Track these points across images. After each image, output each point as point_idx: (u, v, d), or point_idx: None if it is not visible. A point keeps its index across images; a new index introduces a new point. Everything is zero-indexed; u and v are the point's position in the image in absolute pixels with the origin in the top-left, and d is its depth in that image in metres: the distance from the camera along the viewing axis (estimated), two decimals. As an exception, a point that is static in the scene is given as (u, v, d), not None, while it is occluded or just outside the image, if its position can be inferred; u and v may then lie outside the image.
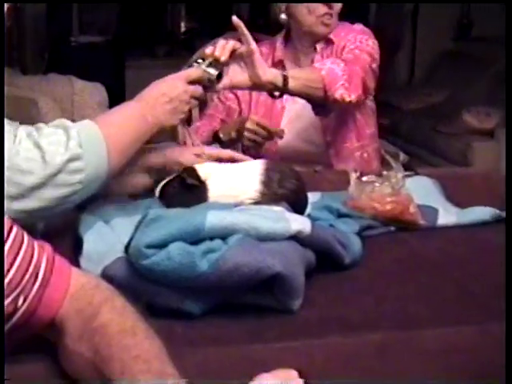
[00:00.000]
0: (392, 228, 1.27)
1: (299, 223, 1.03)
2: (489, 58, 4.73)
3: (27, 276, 0.77)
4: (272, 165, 1.21)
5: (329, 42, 1.88)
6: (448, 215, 1.31)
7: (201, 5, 5.84)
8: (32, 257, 0.79)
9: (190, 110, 1.26)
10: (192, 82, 1.21)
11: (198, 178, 1.16)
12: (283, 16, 1.89)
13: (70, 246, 1.10)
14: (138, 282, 0.94)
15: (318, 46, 1.89)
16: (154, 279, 0.93)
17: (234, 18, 1.35)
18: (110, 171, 1.07)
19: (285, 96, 1.60)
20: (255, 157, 1.64)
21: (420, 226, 1.27)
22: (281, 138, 1.80)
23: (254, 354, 0.87)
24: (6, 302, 0.76)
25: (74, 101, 3.27)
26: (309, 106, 1.71)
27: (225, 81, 1.33)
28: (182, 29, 5.97)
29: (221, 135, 1.81)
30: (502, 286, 0.96)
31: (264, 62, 1.46)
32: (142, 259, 0.93)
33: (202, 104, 1.86)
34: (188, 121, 1.77)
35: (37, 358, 0.83)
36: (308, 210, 1.21)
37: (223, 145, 1.80)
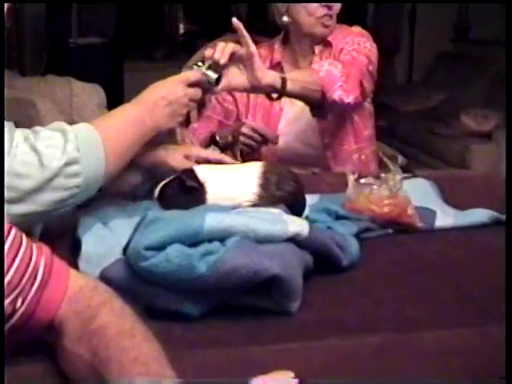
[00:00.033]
0: (390, 230, 1.27)
1: (297, 225, 1.03)
2: (487, 60, 4.75)
3: (26, 278, 0.77)
4: (270, 167, 1.21)
5: (327, 44, 1.89)
6: (446, 217, 1.31)
7: (199, 7, 5.85)
8: (30, 259, 0.79)
9: (188, 112, 1.26)
10: (191, 85, 1.21)
11: (197, 180, 1.17)
12: (285, 18, 1.89)
13: (68, 247, 1.10)
14: (136, 284, 0.94)
15: (316, 49, 1.89)
16: (152, 281, 0.93)
17: (234, 20, 1.35)
18: (108, 174, 1.07)
19: (283, 98, 1.60)
20: (253, 159, 1.65)
21: (418, 228, 1.27)
22: (275, 144, 1.81)
23: (252, 356, 0.87)
24: (5, 303, 0.76)
25: (72, 102, 3.28)
26: (307, 109, 1.71)
27: (224, 83, 1.33)
28: (181, 31, 5.98)
29: (217, 138, 1.82)
30: (501, 288, 0.96)
31: (263, 64, 1.46)
32: (140, 261, 0.93)
33: (201, 105, 1.87)
34: (186, 121, 1.77)
35: (35, 359, 0.83)
36: (306, 212, 1.21)
37: (220, 147, 1.81)
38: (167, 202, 1.17)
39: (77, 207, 1.09)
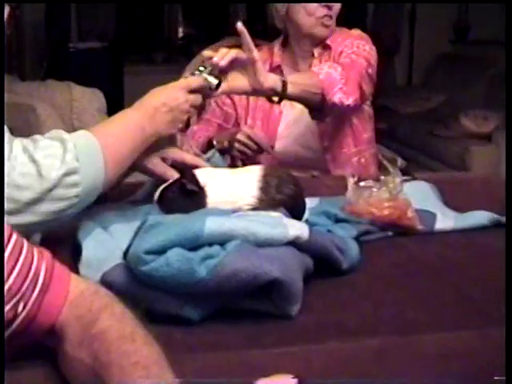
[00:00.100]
0: (390, 233, 1.27)
1: (297, 229, 1.03)
2: (487, 61, 4.75)
3: (27, 282, 0.78)
4: (270, 170, 1.21)
5: (326, 47, 1.89)
6: (446, 220, 1.32)
7: (198, 10, 5.86)
8: (31, 263, 0.79)
9: (188, 117, 1.26)
10: (192, 91, 1.21)
11: (197, 183, 1.17)
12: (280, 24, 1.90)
13: (69, 252, 1.10)
14: (136, 288, 0.95)
15: (316, 51, 1.90)
16: (152, 285, 0.93)
17: (239, 25, 1.35)
18: (108, 182, 1.07)
19: (283, 101, 1.61)
20: (253, 162, 1.65)
21: (418, 230, 1.28)
22: (269, 153, 1.82)
23: (252, 360, 0.87)
24: (6, 308, 0.76)
25: (72, 107, 3.28)
26: (306, 111, 1.72)
27: (224, 87, 1.34)
28: (180, 34, 5.99)
29: (214, 142, 1.82)
30: (501, 290, 0.96)
31: (264, 68, 1.46)
32: (140, 265, 0.93)
33: (201, 108, 1.87)
34: (186, 124, 1.77)
35: (36, 364, 0.83)
36: (306, 215, 1.21)
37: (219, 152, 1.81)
38: (167, 205, 1.17)
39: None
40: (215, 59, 1.31)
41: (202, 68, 1.27)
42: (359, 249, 1.13)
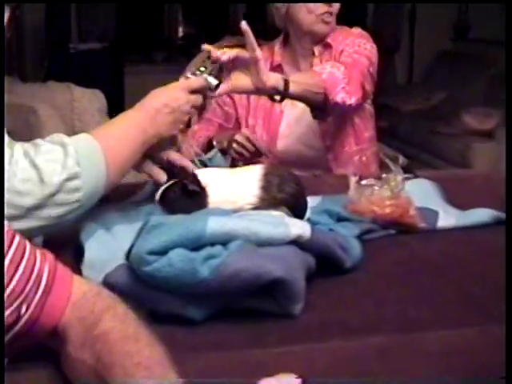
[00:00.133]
0: (392, 231, 1.27)
1: (299, 228, 1.03)
2: (487, 59, 4.74)
3: (30, 284, 0.78)
4: (271, 169, 1.21)
5: (327, 45, 1.89)
6: (448, 217, 1.31)
7: (198, 10, 5.86)
8: (34, 265, 0.79)
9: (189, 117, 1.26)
10: (193, 92, 1.21)
11: (199, 184, 1.17)
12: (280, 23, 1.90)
13: (71, 253, 1.10)
14: (139, 288, 0.95)
15: (316, 50, 1.90)
16: (155, 286, 0.93)
17: (243, 24, 1.35)
18: (109, 185, 1.07)
19: (284, 100, 1.60)
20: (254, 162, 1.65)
21: (420, 228, 1.28)
22: (267, 157, 1.82)
23: (255, 359, 0.87)
24: (10, 310, 0.76)
25: (73, 107, 3.28)
26: (308, 111, 1.72)
27: (228, 85, 1.34)
28: (180, 34, 5.99)
29: (214, 143, 1.82)
30: (504, 287, 0.96)
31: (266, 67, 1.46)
32: (143, 266, 0.93)
33: (201, 108, 1.87)
34: (187, 125, 1.78)
35: (39, 365, 0.83)
36: (308, 214, 1.21)
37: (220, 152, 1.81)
38: (169, 205, 1.17)
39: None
40: (217, 53, 1.31)
41: (202, 68, 1.27)
42: (361, 247, 1.13)
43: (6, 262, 0.76)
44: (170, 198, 1.18)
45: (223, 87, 1.32)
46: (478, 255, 1.18)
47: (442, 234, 1.28)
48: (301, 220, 1.12)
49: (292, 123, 1.92)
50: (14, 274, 0.76)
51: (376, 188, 1.31)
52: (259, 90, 1.43)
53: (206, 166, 1.37)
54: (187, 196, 1.17)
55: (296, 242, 1.02)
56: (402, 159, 1.41)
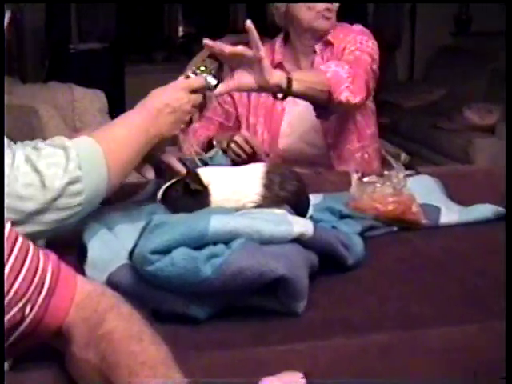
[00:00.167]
0: (394, 228, 1.27)
1: (301, 225, 1.03)
2: (489, 53, 4.73)
3: (33, 285, 0.78)
4: (273, 167, 1.21)
5: (327, 43, 1.89)
6: (450, 213, 1.31)
7: (198, 9, 5.85)
8: (38, 266, 0.79)
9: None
10: (193, 91, 1.21)
11: (201, 182, 1.17)
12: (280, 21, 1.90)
13: (74, 253, 1.10)
14: (143, 288, 0.95)
15: (317, 48, 1.89)
16: (158, 285, 0.94)
17: (248, 22, 1.35)
18: (111, 188, 1.07)
19: (287, 98, 1.61)
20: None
21: (422, 225, 1.28)
22: (263, 160, 1.83)
23: (259, 357, 0.87)
24: (14, 310, 0.76)
25: (74, 108, 3.28)
26: (310, 108, 1.72)
27: (229, 84, 1.34)
28: (180, 33, 5.98)
29: (214, 142, 1.83)
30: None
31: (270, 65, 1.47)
32: (146, 265, 0.93)
33: (202, 107, 1.87)
34: (188, 122, 1.78)
35: (44, 365, 0.83)
36: (310, 211, 1.21)
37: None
38: (171, 203, 1.17)
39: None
40: (218, 43, 1.31)
41: (202, 68, 1.27)
42: (364, 244, 1.13)
43: (10, 262, 0.76)
44: (172, 196, 1.18)
45: (225, 85, 1.32)
46: (480, 251, 1.18)
47: (444, 231, 1.28)
48: (303, 218, 1.13)
49: (294, 121, 1.92)
50: (17, 275, 0.76)
51: (378, 185, 1.31)
52: (262, 88, 1.43)
53: (206, 164, 1.37)
54: (189, 195, 1.17)
55: (299, 240, 1.02)
56: (403, 156, 1.41)
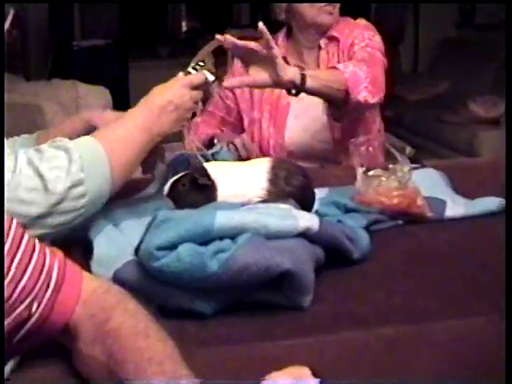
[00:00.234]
0: (400, 221, 1.27)
1: (307, 220, 1.03)
2: (493, 45, 4.70)
3: (40, 282, 0.78)
4: (278, 162, 1.21)
5: (332, 38, 1.88)
6: (456, 207, 1.31)
7: (201, 4, 5.84)
8: (44, 263, 0.79)
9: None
10: (195, 87, 1.21)
11: (208, 177, 1.17)
12: (283, 16, 1.90)
13: (80, 250, 1.10)
14: (149, 284, 0.95)
15: (322, 42, 1.89)
16: (165, 281, 0.94)
17: (260, 24, 1.36)
18: (114, 188, 1.07)
19: (300, 94, 1.61)
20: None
21: (428, 218, 1.27)
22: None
23: (265, 352, 0.87)
24: (21, 307, 0.77)
25: (78, 105, 3.28)
26: (315, 103, 1.72)
27: (246, 79, 1.34)
28: (184, 29, 5.97)
29: (215, 141, 1.83)
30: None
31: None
32: (152, 261, 0.93)
33: (205, 100, 1.88)
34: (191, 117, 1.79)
35: (50, 362, 0.83)
36: (315, 206, 1.21)
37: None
38: (177, 198, 1.17)
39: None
40: (229, 37, 1.32)
41: (201, 63, 1.27)
42: (369, 238, 1.13)
43: (16, 260, 0.76)
44: (179, 190, 1.18)
45: (239, 80, 1.33)
46: (485, 245, 1.18)
47: (449, 224, 1.27)
48: (309, 212, 1.12)
49: (300, 116, 1.91)
50: (24, 272, 0.77)
51: (383, 179, 1.30)
52: (277, 85, 1.45)
53: (207, 161, 1.37)
54: (196, 189, 1.17)
55: (304, 235, 1.02)
56: (408, 149, 1.41)
